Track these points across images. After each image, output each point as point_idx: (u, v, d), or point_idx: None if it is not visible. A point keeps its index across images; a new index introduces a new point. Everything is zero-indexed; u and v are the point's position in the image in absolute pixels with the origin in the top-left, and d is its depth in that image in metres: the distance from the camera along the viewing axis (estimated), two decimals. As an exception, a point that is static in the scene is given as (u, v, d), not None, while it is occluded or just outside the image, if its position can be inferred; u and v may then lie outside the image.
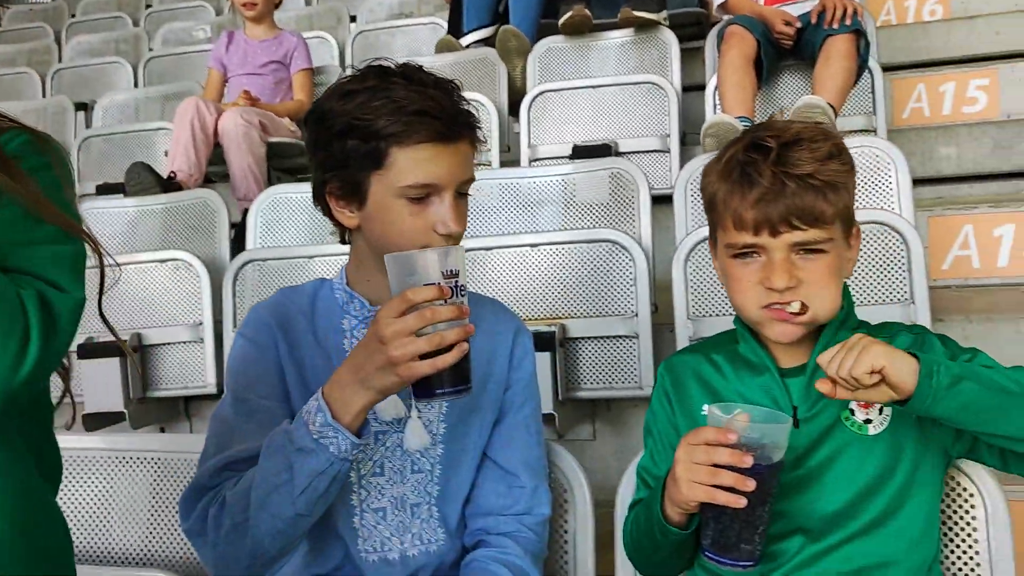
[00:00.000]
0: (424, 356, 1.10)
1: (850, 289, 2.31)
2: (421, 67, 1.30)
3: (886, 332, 1.28)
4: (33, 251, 0.96)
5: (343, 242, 1.41)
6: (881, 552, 1.21)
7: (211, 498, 1.25)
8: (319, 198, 1.35)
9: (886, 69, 3.74)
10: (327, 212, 1.35)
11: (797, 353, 1.28)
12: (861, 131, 3.47)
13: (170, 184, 3.72)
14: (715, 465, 1.09)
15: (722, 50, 3.48)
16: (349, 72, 1.32)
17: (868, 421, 1.22)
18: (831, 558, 1.21)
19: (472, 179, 1.32)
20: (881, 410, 1.21)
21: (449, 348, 1.11)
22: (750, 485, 1.08)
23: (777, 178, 1.17)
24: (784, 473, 1.19)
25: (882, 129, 3.46)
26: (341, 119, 1.25)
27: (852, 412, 1.23)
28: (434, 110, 1.23)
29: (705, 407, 1.21)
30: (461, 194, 1.31)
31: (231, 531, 1.20)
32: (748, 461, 1.08)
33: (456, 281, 1.13)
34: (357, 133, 1.24)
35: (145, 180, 3.64)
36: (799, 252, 1.19)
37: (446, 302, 1.11)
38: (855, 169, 1.24)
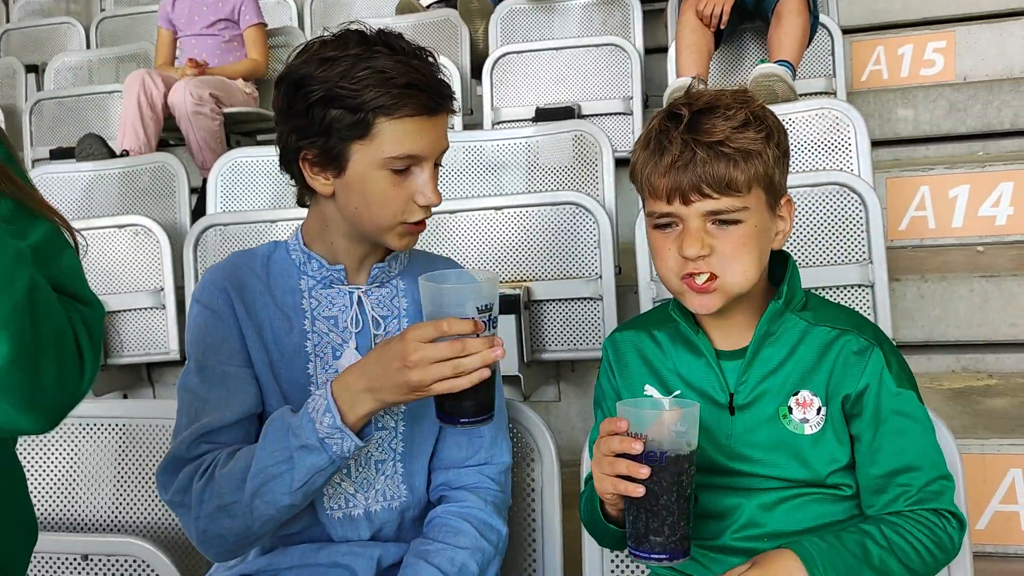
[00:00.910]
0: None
1: (809, 250, 2.39)
2: (400, 35, 1.29)
3: (837, 322, 1.26)
4: (51, 264, 0.99)
5: (302, 205, 1.40)
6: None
7: (193, 469, 1.25)
8: (289, 163, 1.33)
9: (846, 32, 3.77)
10: (297, 177, 1.33)
11: (735, 335, 1.27)
12: (821, 93, 3.50)
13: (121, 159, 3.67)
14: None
15: (680, 10, 3.48)
16: (320, 35, 1.29)
17: (805, 420, 1.22)
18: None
19: (447, 148, 1.32)
20: (819, 411, 1.21)
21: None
22: (643, 472, 1.08)
23: (688, 146, 1.16)
24: (716, 459, 1.22)
25: (841, 91, 3.49)
26: (322, 86, 1.23)
27: (790, 410, 1.23)
28: (421, 82, 1.23)
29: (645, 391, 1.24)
30: (436, 164, 1.31)
31: (217, 511, 1.22)
32: (636, 447, 1.08)
33: (490, 315, 1.17)
34: (341, 102, 1.23)
35: (97, 152, 3.58)
36: (713, 221, 1.18)
37: (478, 335, 1.15)
38: (777, 136, 1.21)
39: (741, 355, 1.26)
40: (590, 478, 1.37)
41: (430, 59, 1.29)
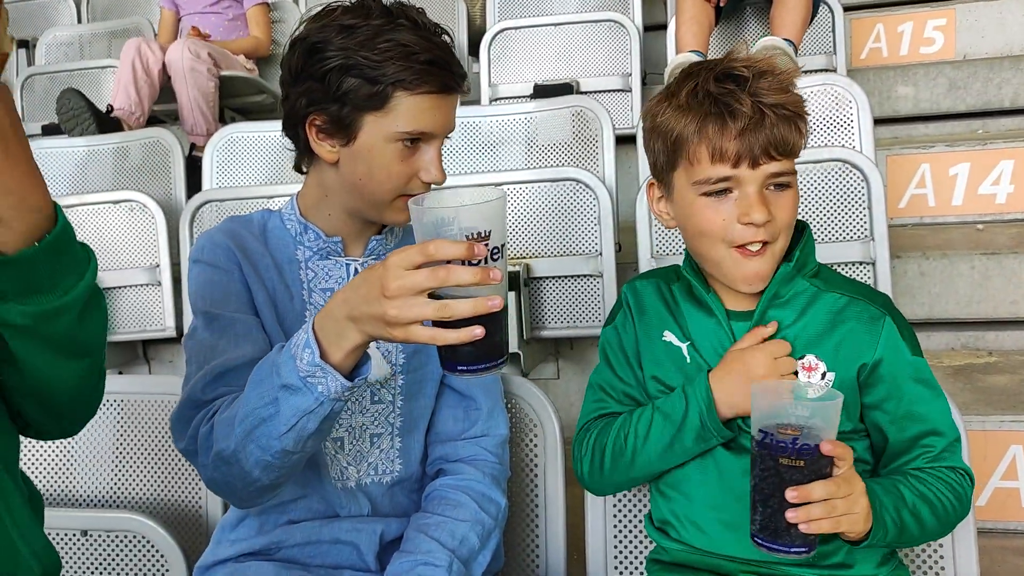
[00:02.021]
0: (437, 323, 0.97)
1: (814, 226, 2.37)
2: (422, 10, 1.27)
3: (847, 290, 1.26)
4: None
5: (299, 171, 1.37)
6: None
7: (204, 414, 1.21)
8: (295, 127, 1.30)
9: (846, 9, 3.74)
10: (300, 142, 1.31)
11: (745, 296, 1.27)
12: (821, 70, 3.47)
13: (107, 118, 3.61)
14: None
15: None
16: (340, 1, 1.27)
17: (808, 385, 1.21)
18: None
19: (454, 129, 1.32)
20: (823, 375, 1.21)
21: (466, 322, 0.95)
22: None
23: (757, 108, 1.15)
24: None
25: (842, 68, 3.47)
26: (341, 54, 1.21)
27: (795, 375, 1.22)
28: (442, 61, 1.23)
29: None
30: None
31: (217, 457, 1.16)
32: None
33: (489, 243, 0.95)
34: (360, 72, 1.21)
35: (76, 107, 3.52)
36: (770, 186, 1.19)
37: (476, 263, 0.94)
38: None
39: (748, 317, 1.27)
40: (599, 416, 1.36)
41: (447, 38, 1.28)
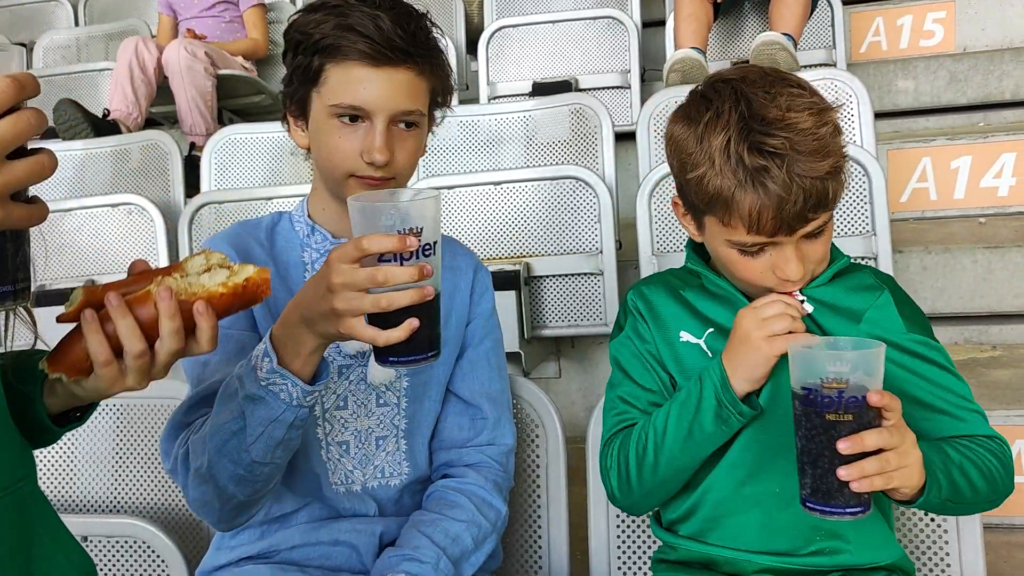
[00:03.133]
0: (374, 319, 1.00)
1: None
2: None
3: (855, 271, 1.28)
4: None
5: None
6: None
7: (184, 436, 1.22)
8: (286, 120, 1.35)
9: (846, 2, 3.73)
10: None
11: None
12: (820, 65, 3.46)
13: (104, 123, 3.60)
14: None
15: None
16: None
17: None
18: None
19: (414, 111, 1.26)
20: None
21: (404, 315, 0.99)
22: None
23: (793, 181, 1.11)
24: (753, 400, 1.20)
25: (841, 63, 3.46)
26: (295, 33, 1.26)
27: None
28: (365, 28, 1.20)
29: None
30: (406, 124, 1.26)
31: (195, 475, 1.17)
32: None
33: (421, 239, 0.98)
34: (302, 48, 1.24)
35: (73, 117, 3.52)
36: (806, 236, 1.17)
37: (408, 259, 0.98)
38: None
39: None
40: (620, 429, 1.33)
41: (409, 12, 1.24)
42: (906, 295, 1.27)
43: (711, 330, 1.28)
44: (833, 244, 1.26)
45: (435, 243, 1.01)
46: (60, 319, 0.88)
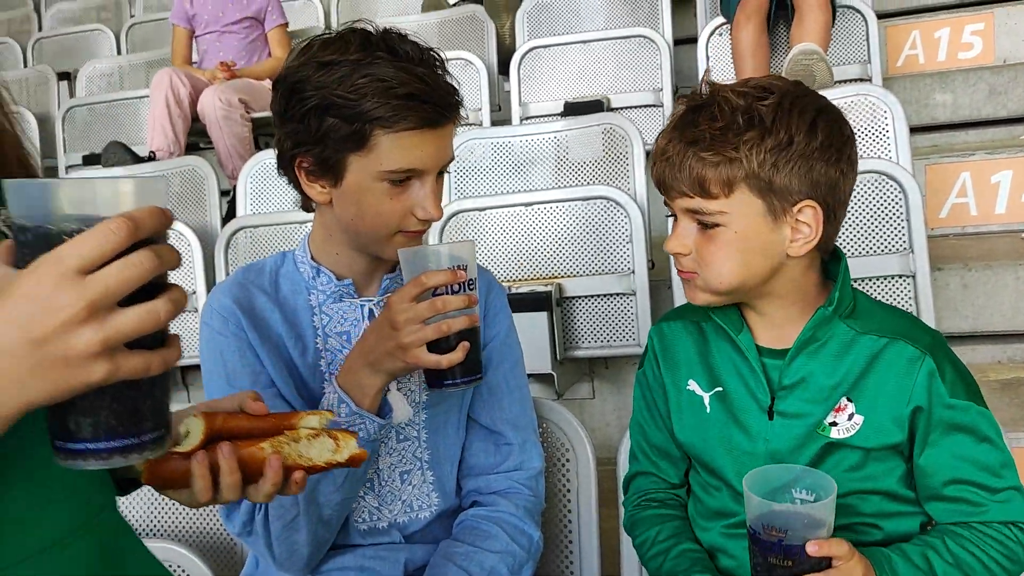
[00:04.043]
0: (432, 347, 1.14)
1: (848, 240, 2.33)
2: (404, 35, 1.21)
3: (885, 329, 1.18)
4: None
5: (307, 211, 1.32)
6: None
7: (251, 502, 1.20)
8: (286, 169, 1.26)
9: (880, 16, 3.69)
10: (294, 183, 1.27)
11: (780, 332, 1.21)
12: (856, 80, 3.43)
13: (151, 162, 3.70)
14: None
15: (737, 20, 3.39)
16: (322, 34, 1.22)
17: (834, 424, 1.17)
18: None
19: (451, 159, 1.26)
20: (851, 416, 1.16)
21: (457, 340, 1.15)
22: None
23: (671, 142, 1.15)
24: (755, 464, 1.14)
25: (877, 78, 3.42)
26: (319, 93, 1.16)
27: (832, 424, 1.17)
28: (424, 94, 1.15)
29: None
30: (439, 173, 1.25)
31: (284, 530, 1.22)
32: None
33: (467, 276, 1.17)
34: (338, 112, 1.15)
35: (122, 160, 3.62)
36: (697, 221, 1.15)
37: (456, 291, 1.15)
38: (782, 138, 1.11)
39: (784, 355, 1.20)
40: (635, 476, 1.34)
41: (436, 63, 1.20)
42: (949, 353, 1.19)
43: (719, 389, 1.24)
44: (847, 291, 1.20)
45: (474, 279, 1.19)
46: (175, 454, 0.84)
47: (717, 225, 1.13)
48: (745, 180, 1.10)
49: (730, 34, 3.47)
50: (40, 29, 5.82)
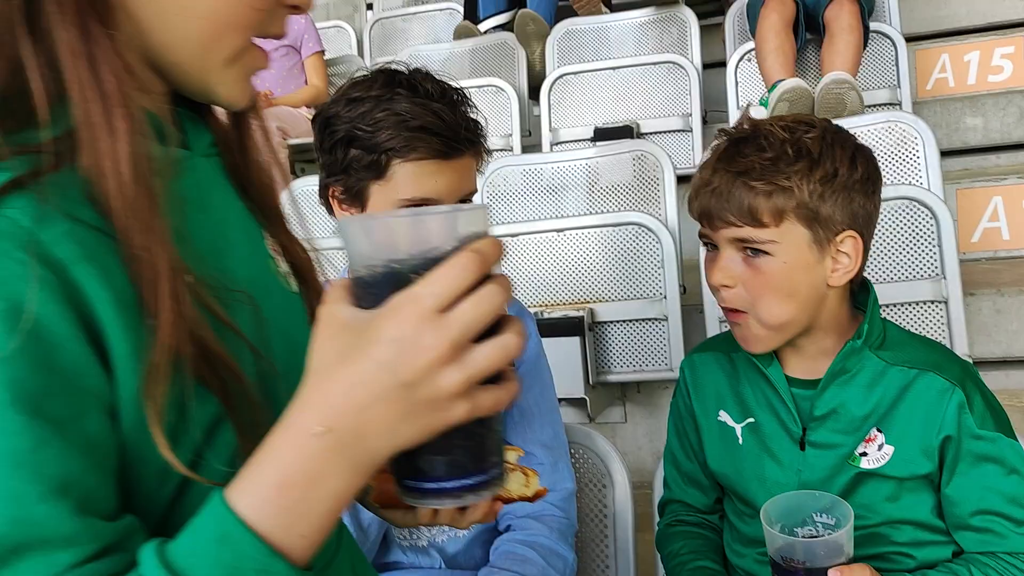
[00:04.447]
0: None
1: (879, 265, 2.34)
2: (429, 74, 1.30)
3: (916, 360, 1.20)
4: None
5: None
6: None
7: None
8: (324, 197, 1.37)
9: (909, 40, 3.70)
10: (330, 211, 1.36)
11: (811, 362, 1.23)
12: (886, 104, 3.44)
13: None
14: None
15: (762, 14, 3.44)
16: (361, 73, 1.32)
17: (864, 455, 1.19)
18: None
19: (474, 191, 1.32)
20: (880, 447, 1.18)
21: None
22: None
23: (717, 172, 1.16)
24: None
25: (907, 102, 3.43)
26: (344, 126, 1.27)
27: (863, 455, 1.18)
28: (435, 126, 1.24)
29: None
30: (461, 202, 1.31)
31: None
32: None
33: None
34: (359, 143, 1.26)
35: None
36: (744, 250, 1.16)
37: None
38: (828, 170, 1.14)
39: (814, 386, 1.22)
40: (667, 502, 1.37)
41: (457, 100, 1.28)
42: (979, 384, 1.20)
43: (751, 421, 1.27)
44: (877, 321, 1.22)
45: None
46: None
47: (764, 254, 1.15)
48: (795, 210, 1.14)
49: (753, 36, 3.51)
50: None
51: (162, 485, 0.64)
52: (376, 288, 0.58)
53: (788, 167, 1.13)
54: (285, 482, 0.57)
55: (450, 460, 0.61)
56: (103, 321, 0.59)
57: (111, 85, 0.61)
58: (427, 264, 0.57)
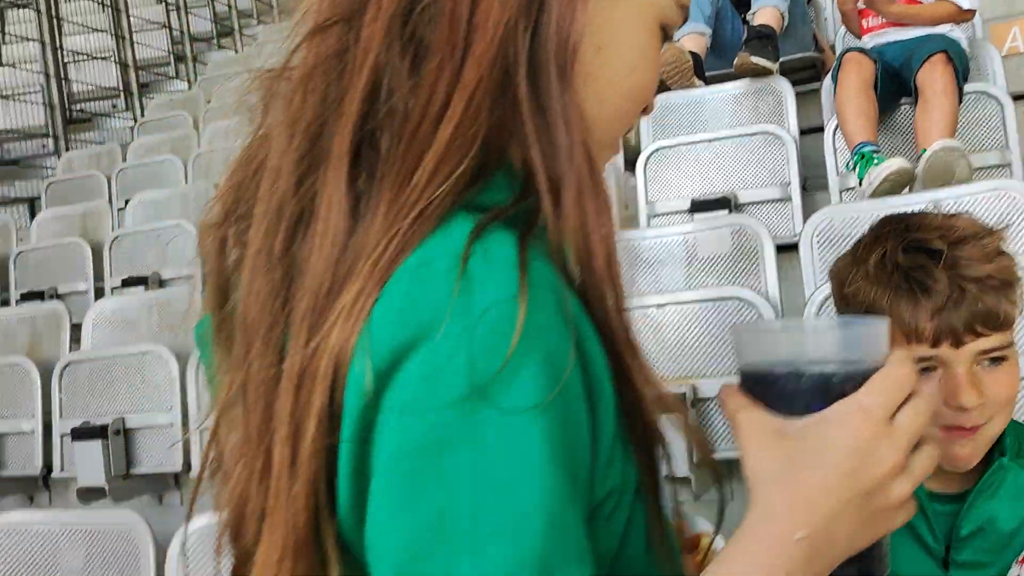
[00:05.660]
0: None
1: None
2: None
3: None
4: None
5: None
6: None
7: None
8: None
9: (1016, 98, 3.60)
10: None
11: (948, 475, 1.14)
12: (994, 166, 3.34)
13: None
14: None
15: (839, 77, 3.41)
16: None
17: None
18: None
19: None
20: None
21: None
22: None
23: (955, 282, 1.04)
24: None
25: (1017, 165, 3.31)
26: None
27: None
28: None
29: None
30: None
31: None
32: None
33: None
34: None
35: None
36: (982, 362, 1.07)
37: None
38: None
39: (955, 500, 1.14)
40: None
41: None
42: None
43: None
44: (1018, 434, 1.16)
45: None
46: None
47: (1004, 359, 1.08)
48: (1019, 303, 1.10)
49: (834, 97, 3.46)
50: (199, 146, 6.27)
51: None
52: (804, 395, 0.60)
53: (1011, 261, 1.09)
54: None
55: (870, 563, 0.63)
56: (601, 382, 0.59)
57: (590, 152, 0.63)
58: (863, 375, 0.59)
